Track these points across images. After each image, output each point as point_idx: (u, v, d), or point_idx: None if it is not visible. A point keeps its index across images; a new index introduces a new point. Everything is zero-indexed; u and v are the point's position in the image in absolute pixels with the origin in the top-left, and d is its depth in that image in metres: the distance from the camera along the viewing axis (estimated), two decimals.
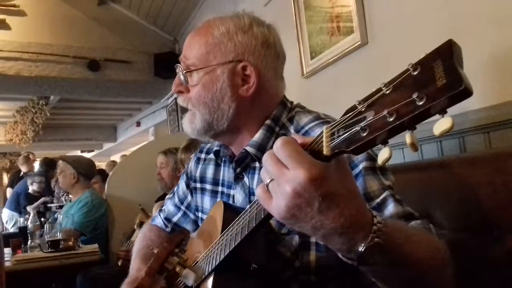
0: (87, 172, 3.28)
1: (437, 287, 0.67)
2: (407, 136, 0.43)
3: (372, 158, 0.83)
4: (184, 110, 1.00)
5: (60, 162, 3.26)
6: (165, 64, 4.10)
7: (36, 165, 5.92)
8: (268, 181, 0.54)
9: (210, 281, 0.79)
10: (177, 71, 0.96)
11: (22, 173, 5.73)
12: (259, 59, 0.92)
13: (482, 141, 1.24)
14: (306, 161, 0.51)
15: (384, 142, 0.46)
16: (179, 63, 0.96)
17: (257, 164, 0.94)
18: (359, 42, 1.75)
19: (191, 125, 0.96)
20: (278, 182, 0.53)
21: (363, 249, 0.54)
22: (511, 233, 0.92)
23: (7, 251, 2.71)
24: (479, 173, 1.00)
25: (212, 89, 0.91)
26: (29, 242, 2.85)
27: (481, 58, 1.25)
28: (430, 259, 0.65)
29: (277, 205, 0.53)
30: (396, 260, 0.59)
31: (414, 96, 0.41)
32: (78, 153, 9.75)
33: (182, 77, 0.94)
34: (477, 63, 1.25)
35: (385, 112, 0.43)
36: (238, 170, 0.97)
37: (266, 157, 0.54)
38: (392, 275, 0.63)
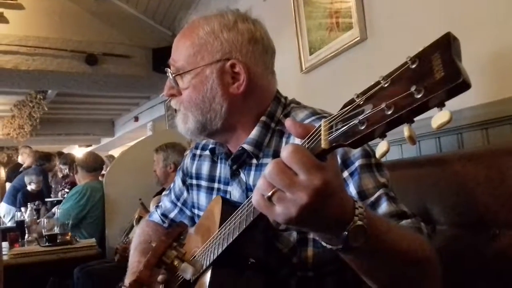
0: (87, 164, 3.42)
1: (422, 285, 0.68)
2: (405, 129, 0.43)
3: (368, 155, 0.82)
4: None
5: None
6: (164, 59, 4.00)
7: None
8: (269, 193, 0.53)
9: (208, 275, 0.80)
10: (167, 74, 0.95)
11: (21, 168, 5.68)
12: (247, 55, 0.92)
13: (480, 137, 1.24)
14: (319, 166, 0.51)
15: (382, 136, 0.46)
16: (169, 66, 0.96)
17: (253, 161, 0.94)
18: (358, 38, 1.75)
19: (184, 125, 0.96)
20: (290, 191, 0.51)
21: (347, 232, 0.55)
22: (508, 229, 0.91)
23: (4, 245, 2.72)
24: (477, 169, 1.00)
25: (202, 90, 0.91)
26: (26, 236, 2.85)
27: (479, 54, 1.25)
28: (415, 253, 0.65)
29: (286, 213, 0.53)
30: (380, 248, 0.60)
31: (412, 89, 0.41)
32: (75, 147, 9.74)
33: (172, 81, 0.94)
34: (475, 59, 1.25)
35: (383, 105, 0.43)
36: (234, 167, 0.97)
37: (272, 167, 0.52)
38: (376, 266, 0.64)
